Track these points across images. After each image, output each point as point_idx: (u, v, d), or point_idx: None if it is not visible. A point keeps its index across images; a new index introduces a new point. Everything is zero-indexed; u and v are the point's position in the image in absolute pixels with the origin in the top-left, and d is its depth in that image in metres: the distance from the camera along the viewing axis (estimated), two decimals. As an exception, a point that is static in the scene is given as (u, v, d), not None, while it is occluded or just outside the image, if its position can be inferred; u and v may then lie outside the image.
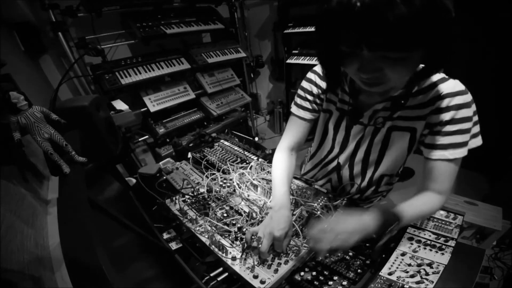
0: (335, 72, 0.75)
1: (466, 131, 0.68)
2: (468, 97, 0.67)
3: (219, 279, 0.70)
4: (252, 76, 3.28)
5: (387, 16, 0.44)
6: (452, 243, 0.73)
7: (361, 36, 0.50)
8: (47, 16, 1.61)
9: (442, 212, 0.82)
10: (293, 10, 2.81)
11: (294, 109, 0.90)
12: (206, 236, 0.79)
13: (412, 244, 0.75)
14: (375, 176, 0.89)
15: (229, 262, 0.71)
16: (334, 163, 0.94)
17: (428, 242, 0.74)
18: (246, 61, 2.91)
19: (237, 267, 0.70)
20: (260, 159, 1.13)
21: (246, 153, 1.20)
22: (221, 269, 0.73)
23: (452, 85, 0.68)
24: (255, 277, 0.67)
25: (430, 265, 0.67)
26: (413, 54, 0.52)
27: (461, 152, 0.69)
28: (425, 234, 0.77)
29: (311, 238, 0.66)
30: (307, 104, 0.89)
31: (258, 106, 3.69)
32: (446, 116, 0.68)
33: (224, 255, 0.73)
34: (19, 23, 1.48)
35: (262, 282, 0.66)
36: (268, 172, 1.01)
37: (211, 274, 0.71)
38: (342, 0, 0.48)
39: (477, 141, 0.71)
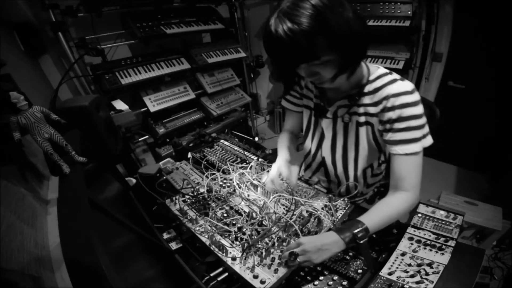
0: (290, 76, 0.86)
1: (416, 128, 0.71)
2: (413, 97, 0.71)
3: (219, 279, 0.71)
4: (252, 76, 3.27)
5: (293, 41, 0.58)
6: (452, 243, 0.73)
7: (283, 60, 0.67)
8: (47, 16, 1.61)
9: (442, 212, 0.82)
10: (293, 10, 2.81)
11: (283, 102, 1.05)
12: (206, 236, 0.79)
13: (412, 244, 0.75)
14: (358, 173, 0.93)
15: (229, 262, 0.71)
16: (319, 159, 1.01)
17: (428, 242, 0.74)
18: (246, 61, 2.90)
19: (237, 267, 0.70)
20: (260, 159, 1.13)
21: (246, 153, 1.20)
22: (221, 269, 0.73)
23: (397, 87, 0.73)
24: (255, 277, 0.67)
25: (430, 265, 0.67)
26: (329, 58, 0.63)
27: (411, 148, 0.72)
28: (425, 234, 0.77)
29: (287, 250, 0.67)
30: (291, 98, 1.03)
31: (258, 106, 3.68)
32: (393, 115, 0.73)
33: (224, 255, 0.73)
34: (19, 23, 1.48)
35: (262, 282, 0.66)
36: (268, 172, 1.01)
37: (211, 274, 0.71)
38: (270, 36, 0.62)
39: (427, 141, 0.74)
